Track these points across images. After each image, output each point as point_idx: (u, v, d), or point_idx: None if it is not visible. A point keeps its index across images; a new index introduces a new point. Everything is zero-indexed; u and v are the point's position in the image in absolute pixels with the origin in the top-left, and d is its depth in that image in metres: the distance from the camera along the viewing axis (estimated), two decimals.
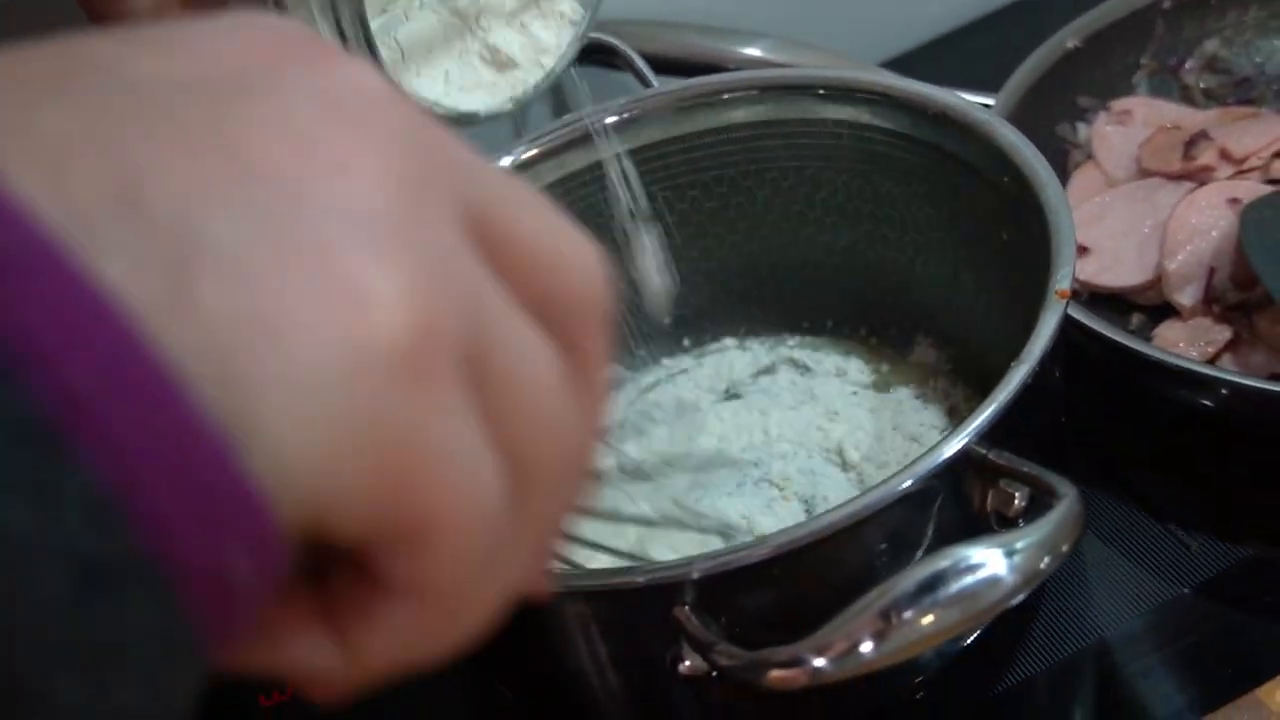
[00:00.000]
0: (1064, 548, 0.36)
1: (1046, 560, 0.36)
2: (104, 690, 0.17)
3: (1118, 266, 0.57)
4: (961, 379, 0.56)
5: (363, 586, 0.21)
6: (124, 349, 0.17)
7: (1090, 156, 0.63)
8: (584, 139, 0.55)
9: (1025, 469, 0.39)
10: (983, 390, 0.54)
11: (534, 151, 0.56)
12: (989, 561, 0.36)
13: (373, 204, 0.19)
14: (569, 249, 0.23)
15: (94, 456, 0.16)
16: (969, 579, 0.36)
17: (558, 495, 0.23)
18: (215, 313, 0.18)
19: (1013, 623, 0.49)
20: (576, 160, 0.56)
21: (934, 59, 0.78)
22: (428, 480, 0.19)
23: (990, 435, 0.40)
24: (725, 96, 0.56)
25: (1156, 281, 0.56)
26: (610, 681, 0.42)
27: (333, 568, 0.21)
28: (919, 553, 0.41)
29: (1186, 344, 0.54)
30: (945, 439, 0.39)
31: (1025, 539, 0.36)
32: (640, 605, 0.39)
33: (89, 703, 0.17)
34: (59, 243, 0.17)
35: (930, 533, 0.41)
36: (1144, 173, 0.61)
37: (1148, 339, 0.55)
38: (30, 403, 0.16)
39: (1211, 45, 0.66)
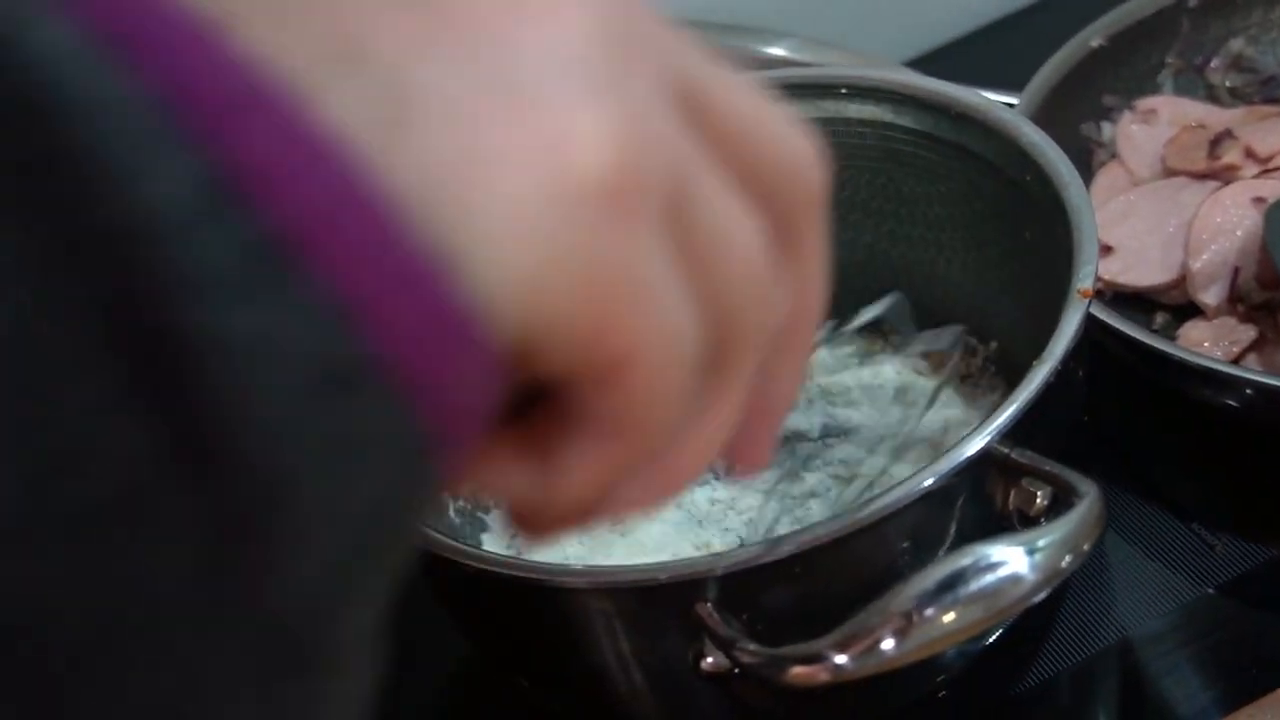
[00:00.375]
0: (1085, 546, 0.36)
1: (1068, 559, 0.36)
2: (346, 484, 0.18)
3: (1142, 265, 0.57)
4: (984, 377, 0.56)
5: (562, 423, 0.22)
6: (348, 178, 0.18)
7: (1115, 155, 0.63)
8: None
9: (1047, 468, 0.39)
10: (1005, 389, 0.55)
11: None
12: (1010, 560, 0.36)
13: (581, 51, 0.20)
14: (785, 131, 0.24)
15: (327, 271, 0.18)
16: (990, 577, 0.36)
17: (759, 366, 0.24)
18: (432, 150, 0.19)
19: (1035, 621, 0.49)
20: None
21: (957, 58, 0.78)
22: (627, 311, 0.20)
23: (1012, 434, 0.40)
24: None
25: (1181, 281, 0.56)
26: (632, 677, 0.42)
27: (534, 408, 0.22)
28: (940, 551, 0.41)
29: (1211, 344, 0.54)
30: (967, 438, 0.39)
31: (1046, 537, 0.36)
32: (663, 601, 0.39)
33: (332, 496, 0.18)
34: (284, 86, 0.18)
35: (952, 531, 0.41)
36: (1169, 172, 0.61)
37: (1172, 338, 0.55)
38: (264, 225, 0.17)
39: (1237, 44, 0.65)
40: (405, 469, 0.19)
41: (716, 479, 0.53)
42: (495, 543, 0.51)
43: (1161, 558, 0.51)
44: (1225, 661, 0.48)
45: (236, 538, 0.17)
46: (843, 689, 0.44)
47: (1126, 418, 0.55)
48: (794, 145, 0.24)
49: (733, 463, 0.27)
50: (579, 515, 0.23)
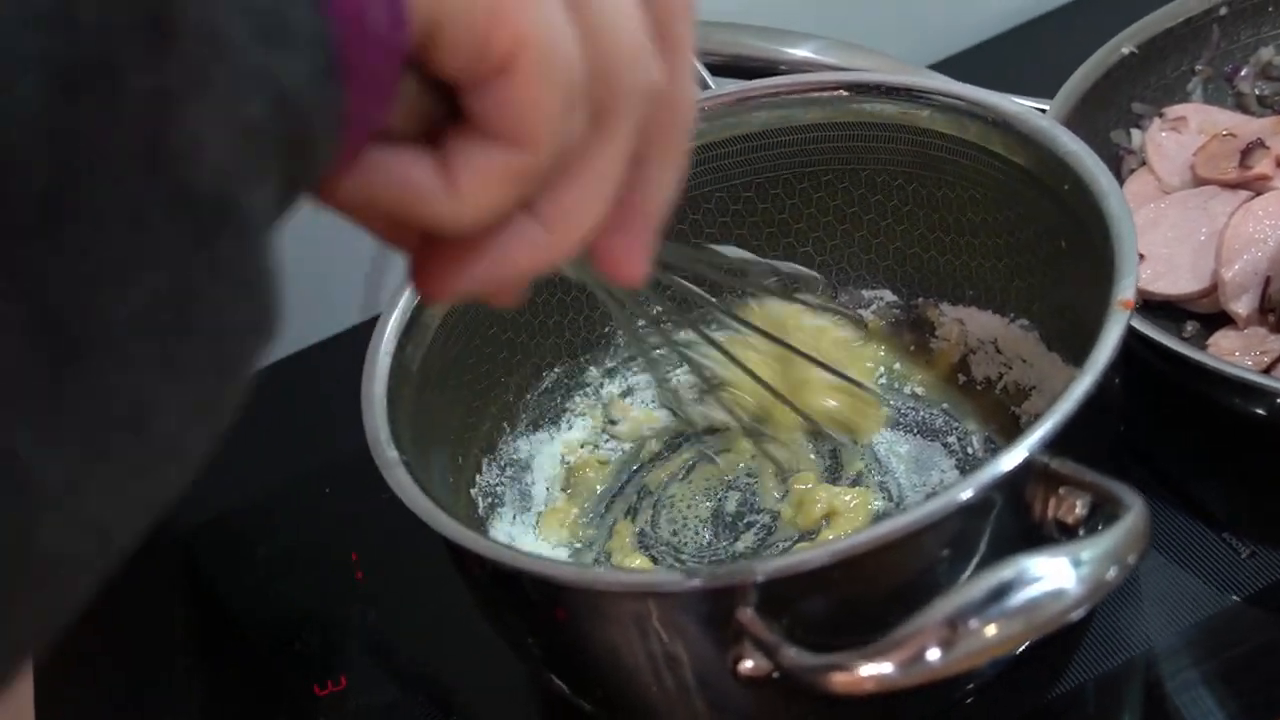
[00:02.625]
0: (1131, 559, 0.36)
1: (1113, 571, 0.36)
2: (268, 61, 0.21)
3: (1172, 274, 0.57)
4: (1009, 385, 0.56)
5: (468, 137, 0.26)
6: None
7: (1144, 163, 0.63)
8: None
9: (1089, 478, 0.39)
10: (1031, 397, 0.55)
11: None
12: (1055, 572, 0.36)
13: None
14: None
15: None
16: (1036, 590, 0.36)
17: (636, 131, 0.28)
18: None
19: (1065, 631, 0.49)
20: None
21: (981, 63, 0.78)
22: (517, 15, 0.24)
23: (1053, 444, 0.40)
24: (783, 99, 0.56)
25: (1211, 290, 0.56)
26: (669, 680, 0.42)
27: (442, 136, 0.26)
28: (976, 558, 0.41)
29: (1241, 353, 0.54)
30: (1009, 447, 0.39)
31: (1092, 549, 0.36)
32: (705, 606, 0.40)
33: (256, 70, 0.21)
34: None
35: (991, 540, 0.41)
36: (1198, 180, 0.61)
37: (1201, 348, 0.55)
38: None
39: (1267, 53, 0.65)
40: (315, 75, 0.22)
41: None
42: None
43: (1192, 567, 0.51)
44: (1254, 673, 0.48)
45: (178, 98, 0.20)
46: (874, 697, 0.44)
47: (1158, 426, 0.55)
48: None
49: (610, 268, 0.30)
50: (480, 249, 0.27)
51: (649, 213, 0.30)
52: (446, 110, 0.26)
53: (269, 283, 0.22)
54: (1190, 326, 0.57)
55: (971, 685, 0.48)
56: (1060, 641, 0.49)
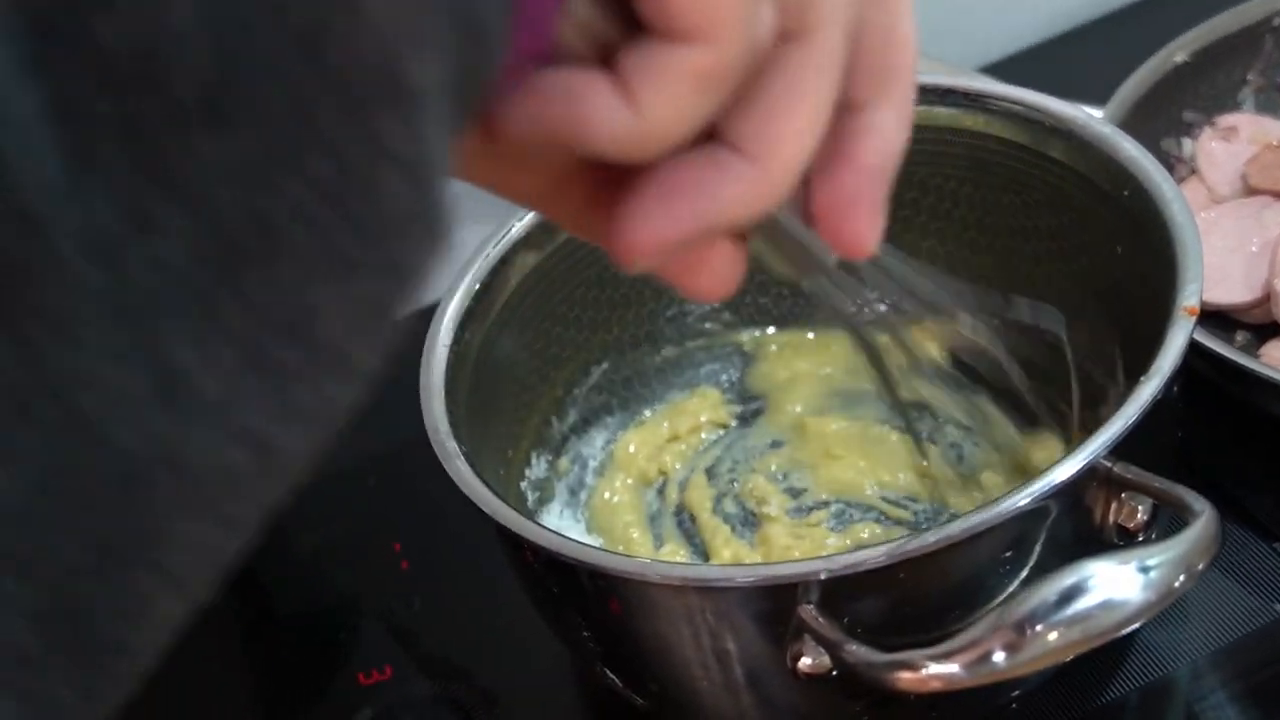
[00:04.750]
0: (1200, 565, 0.36)
1: (1182, 578, 0.36)
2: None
3: (1224, 284, 0.57)
4: (1062, 391, 0.56)
5: (645, 46, 0.23)
6: None
7: (1194, 172, 0.63)
8: None
9: (1156, 484, 0.39)
10: (1084, 403, 0.55)
11: None
12: (1122, 578, 0.36)
13: None
14: None
15: None
16: (1102, 596, 0.36)
17: (843, 41, 0.25)
18: None
19: (1112, 641, 0.49)
20: None
21: (1029, 68, 0.78)
22: None
23: (1118, 449, 0.40)
24: None
25: (1264, 300, 0.56)
26: (725, 676, 0.42)
27: (616, 56, 0.23)
28: (1034, 562, 0.41)
29: None
30: (1073, 452, 0.39)
31: (1160, 556, 0.36)
32: (767, 603, 0.40)
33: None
34: None
35: (1051, 544, 0.41)
36: (1250, 190, 0.61)
37: (1254, 357, 0.55)
38: None
39: None
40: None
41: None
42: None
43: (1241, 578, 0.51)
44: None
45: None
46: (923, 699, 0.44)
47: (1208, 435, 0.55)
48: None
49: (833, 233, 0.26)
50: (667, 140, 0.23)
51: (874, 165, 0.26)
52: (620, 32, 0.24)
53: (436, 171, 0.20)
54: (1241, 336, 0.57)
55: (1017, 692, 0.48)
56: (1105, 651, 0.49)
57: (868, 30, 0.26)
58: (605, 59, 0.24)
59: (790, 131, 0.24)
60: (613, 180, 0.25)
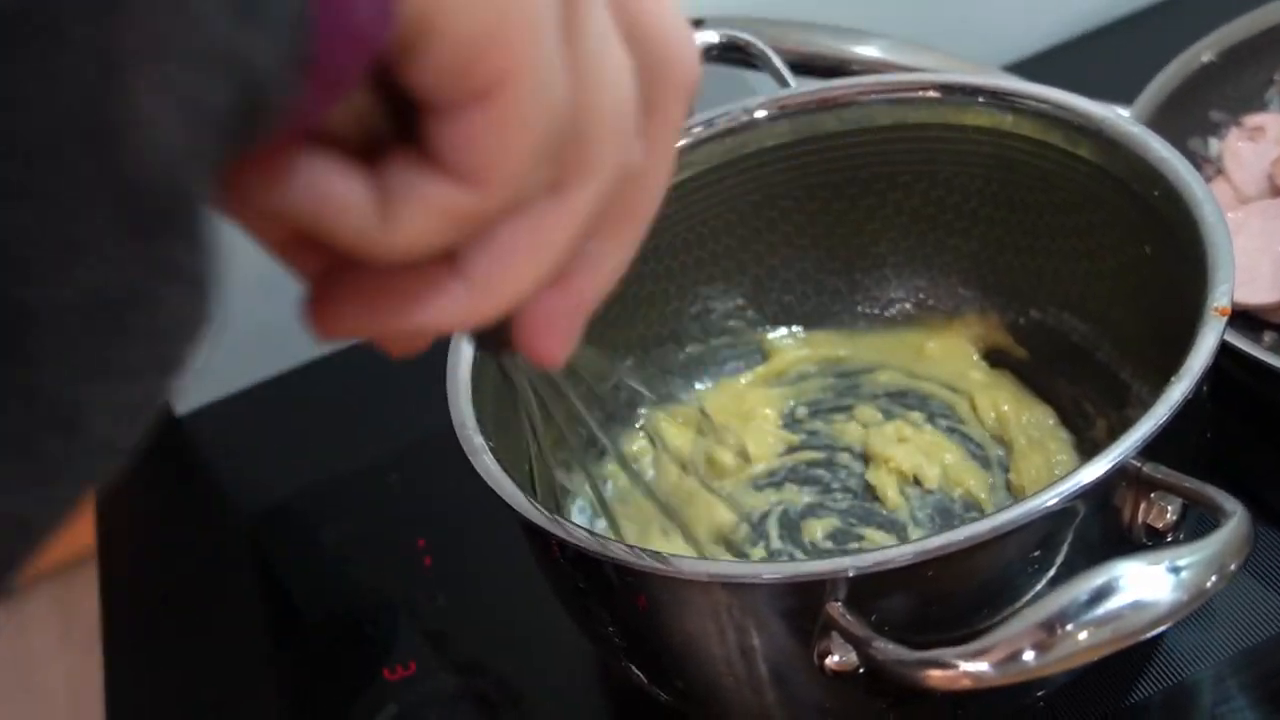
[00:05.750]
0: (1232, 566, 0.36)
1: (1213, 579, 0.36)
2: (237, 30, 0.19)
3: (1252, 284, 0.57)
4: (1086, 390, 0.56)
5: (416, 162, 0.23)
6: None
7: (1220, 172, 0.63)
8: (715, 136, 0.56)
9: (1187, 484, 0.39)
10: (1109, 403, 0.55)
11: None
12: (1153, 579, 0.36)
13: None
14: (673, 23, 0.26)
15: None
16: (1133, 596, 0.36)
17: (597, 204, 0.25)
18: None
19: (1139, 642, 0.49)
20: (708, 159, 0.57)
21: (1052, 67, 0.77)
22: (517, 36, 0.22)
23: (1147, 449, 0.40)
24: (865, 98, 0.56)
25: None
26: (749, 672, 0.42)
27: (382, 154, 0.23)
28: (1062, 561, 0.41)
29: None
30: (1104, 451, 0.39)
31: (1191, 556, 0.36)
32: (795, 600, 0.40)
33: (223, 36, 0.19)
34: None
35: (1079, 544, 0.41)
36: (1276, 190, 0.60)
37: None
38: None
39: None
40: (282, 61, 0.20)
41: None
42: None
43: (1267, 579, 0.51)
44: None
45: (126, 64, 0.17)
46: (949, 697, 0.44)
47: (1238, 435, 0.55)
48: (677, 37, 0.27)
49: (527, 339, 0.27)
50: (390, 293, 0.24)
51: (583, 294, 0.27)
52: (394, 126, 0.23)
53: (212, 279, 0.20)
54: (1269, 337, 0.57)
55: (1043, 692, 0.48)
56: (1131, 652, 0.49)
57: (627, 182, 0.26)
58: (370, 149, 0.23)
59: (516, 275, 0.25)
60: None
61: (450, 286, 0.24)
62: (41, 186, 0.17)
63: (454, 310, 0.25)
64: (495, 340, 0.28)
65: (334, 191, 0.23)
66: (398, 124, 0.23)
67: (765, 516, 0.54)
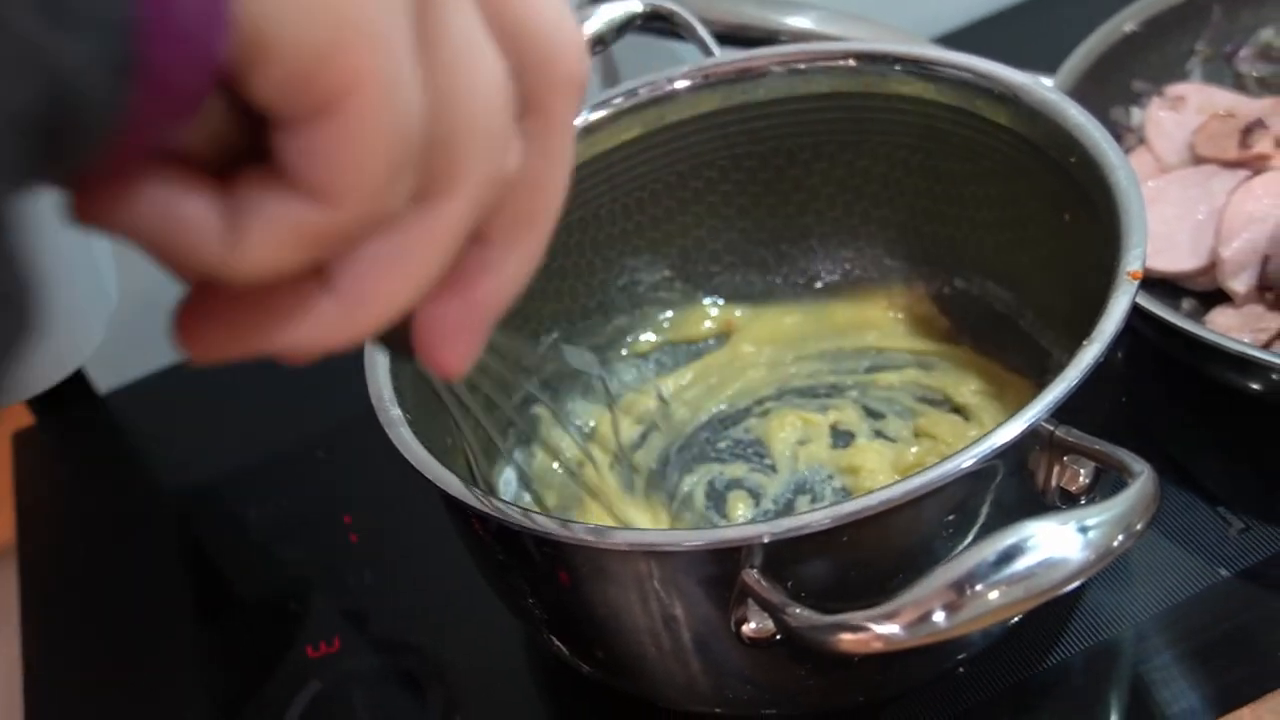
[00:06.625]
0: (1139, 525, 0.36)
1: (1120, 538, 0.36)
2: (52, 35, 0.18)
3: (1171, 251, 0.57)
4: (1010, 358, 0.56)
5: (267, 180, 0.22)
6: None
7: (1143, 141, 0.63)
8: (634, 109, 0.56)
9: (1097, 446, 0.39)
10: (1031, 369, 0.55)
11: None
12: (1061, 538, 0.36)
13: None
14: (555, 18, 0.25)
15: None
16: (1042, 555, 0.36)
17: (470, 215, 0.24)
18: None
19: (1055, 603, 0.49)
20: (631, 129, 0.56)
21: (980, 38, 0.78)
22: (359, 46, 0.21)
23: (1059, 413, 0.40)
24: (790, 68, 0.56)
25: (1210, 268, 0.57)
26: (670, 641, 0.42)
27: (235, 172, 0.23)
28: (978, 524, 0.41)
29: (1238, 330, 0.54)
30: (1017, 414, 0.39)
31: (1099, 516, 0.36)
32: (709, 567, 0.40)
33: (47, 42, 0.18)
34: None
35: (994, 506, 0.41)
36: (1197, 159, 0.61)
37: (1200, 324, 0.55)
38: None
39: (1267, 34, 0.66)
40: (102, 65, 0.19)
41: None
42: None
43: (1184, 541, 0.52)
44: (1244, 647, 0.48)
45: None
46: (870, 662, 0.44)
47: (1153, 401, 0.55)
48: (559, 31, 0.26)
49: (425, 350, 0.26)
50: (245, 279, 0.23)
51: (484, 303, 0.26)
52: (249, 143, 0.22)
53: (26, 289, 0.19)
54: (1187, 303, 0.58)
55: (963, 655, 0.48)
56: (1050, 614, 0.50)
57: (518, 176, 0.25)
58: (221, 161, 0.23)
59: (386, 292, 0.24)
60: None
61: (319, 304, 0.24)
62: None
63: (324, 329, 0.24)
64: (401, 345, 0.27)
65: (179, 213, 0.22)
66: (254, 141, 0.23)
67: (690, 490, 0.54)
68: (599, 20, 0.57)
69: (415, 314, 0.26)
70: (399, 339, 0.27)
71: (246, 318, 0.24)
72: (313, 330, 0.24)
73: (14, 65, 0.18)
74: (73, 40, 0.18)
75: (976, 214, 0.56)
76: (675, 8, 0.60)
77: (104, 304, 0.63)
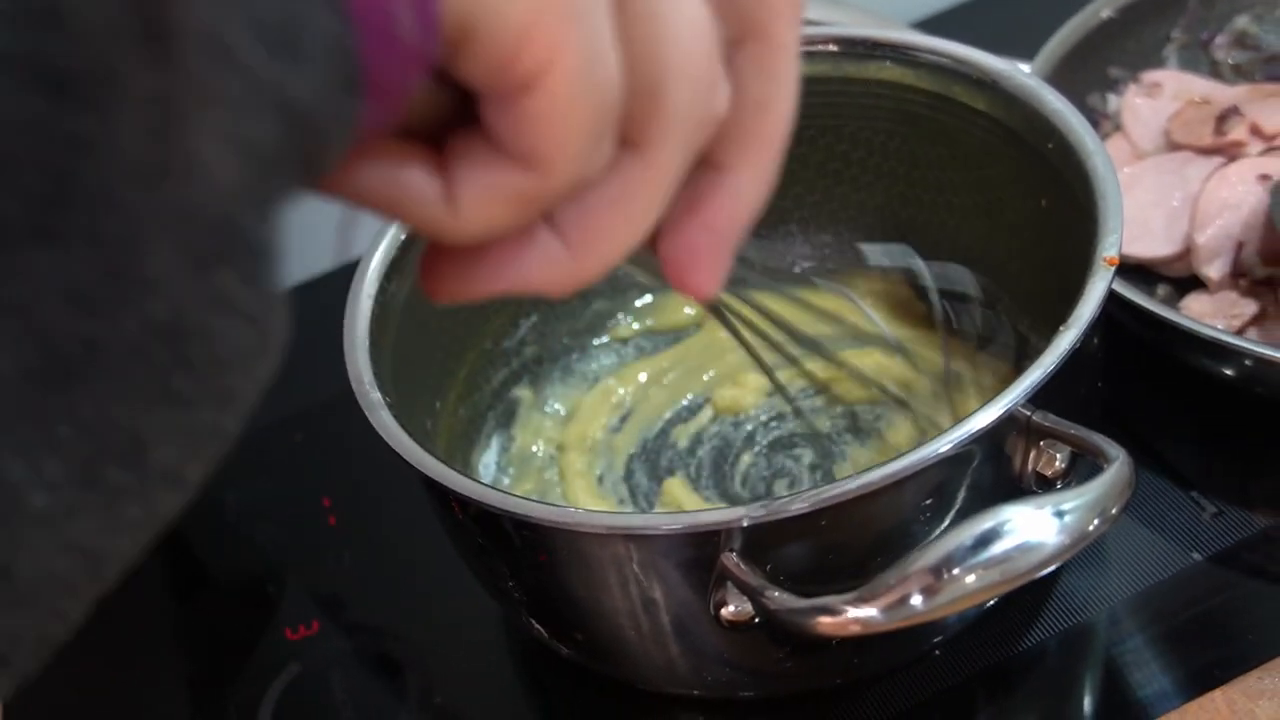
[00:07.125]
0: (1114, 510, 0.37)
1: (1096, 522, 0.36)
2: (279, 71, 0.20)
3: (1146, 237, 0.58)
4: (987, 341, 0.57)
5: (478, 146, 0.24)
6: None
7: (1119, 127, 0.63)
8: None
9: (1073, 431, 0.40)
10: (1009, 354, 0.55)
11: None
12: (1038, 523, 0.36)
13: None
14: None
15: None
16: (1018, 539, 0.36)
17: (684, 156, 0.25)
18: None
19: (1031, 587, 0.50)
20: None
21: (958, 24, 0.78)
22: (557, 20, 0.22)
23: (1036, 398, 0.40)
24: None
25: (1185, 254, 0.57)
26: (651, 624, 0.43)
27: (449, 137, 0.24)
28: (955, 509, 0.42)
29: (1212, 316, 0.55)
30: (994, 400, 0.40)
31: (1075, 500, 0.37)
32: (689, 550, 0.40)
33: (266, 81, 0.20)
34: None
35: (971, 491, 0.41)
36: (1173, 145, 0.61)
37: (1175, 310, 0.55)
38: None
39: (1242, 21, 0.66)
40: (333, 90, 0.21)
41: None
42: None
43: (1157, 525, 0.52)
44: (1216, 630, 0.49)
45: (179, 112, 0.19)
46: (847, 645, 0.44)
47: (1128, 387, 0.56)
48: None
49: (676, 279, 0.28)
50: (470, 238, 0.24)
51: (722, 226, 0.27)
52: (459, 110, 0.24)
53: (273, 312, 0.21)
54: (1162, 290, 0.58)
55: (939, 638, 0.48)
56: (1025, 597, 0.50)
57: (743, 98, 0.27)
58: (433, 127, 0.25)
59: (610, 235, 0.25)
60: None
61: (550, 248, 0.25)
62: (105, 227, 0.18)
63: (555, 271, 0.25)
64: (652, 268, 0.28)
65: (402, 182, 0.24)
66: (464, 108, 0.24)
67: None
68: None
69: (658, 239, 0.27)
70: (649, 263, 0.28)
71: (481, 263, 0.25)
72: (545, 273, 0.25)
73: (262, 104, 0.20)
74: (300, 75, 0.20)
75: (954, 199, 0.56)
76: None
77: None
